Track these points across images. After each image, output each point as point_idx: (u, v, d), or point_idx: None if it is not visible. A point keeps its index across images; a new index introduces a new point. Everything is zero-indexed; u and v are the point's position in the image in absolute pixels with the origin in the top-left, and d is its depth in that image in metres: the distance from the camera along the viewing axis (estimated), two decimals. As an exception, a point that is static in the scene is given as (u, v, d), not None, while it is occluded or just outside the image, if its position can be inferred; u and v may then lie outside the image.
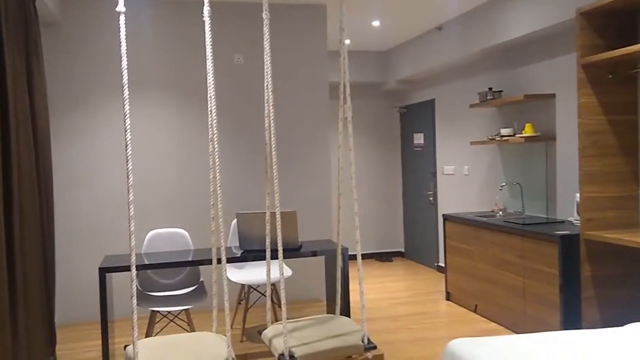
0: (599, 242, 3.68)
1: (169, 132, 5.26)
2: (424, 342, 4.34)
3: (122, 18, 2.32)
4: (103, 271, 3.41)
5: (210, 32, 2.51)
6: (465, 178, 6.33)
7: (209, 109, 2.59)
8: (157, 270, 4.16)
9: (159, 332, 4.52)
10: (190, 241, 4.30)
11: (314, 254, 3.78)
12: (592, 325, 3.68)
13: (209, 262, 3.53)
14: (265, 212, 3.29)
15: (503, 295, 4.64)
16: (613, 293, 3.72)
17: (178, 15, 5.25)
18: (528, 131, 4.88)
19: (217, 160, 2.56)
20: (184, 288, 4.19)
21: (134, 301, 2.33)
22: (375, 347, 2.68)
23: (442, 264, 6.85)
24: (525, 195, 5.25)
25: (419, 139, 7.44)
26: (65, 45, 5.03)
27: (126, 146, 2.32)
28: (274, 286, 4.53)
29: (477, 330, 4.60)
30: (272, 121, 2.57)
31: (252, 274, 4.45)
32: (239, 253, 3.75)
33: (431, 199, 7.13)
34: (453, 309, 5.26)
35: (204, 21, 2.53)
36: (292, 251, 3.73)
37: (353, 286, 5.25)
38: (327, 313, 4.38)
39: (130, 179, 2.33)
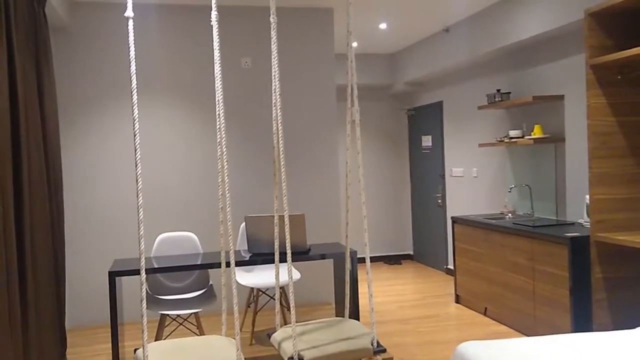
0: (610, 244, 3.65)
1: (177, 136, 5.28)
2: (434, 345, 4.33)
3: (130, 23, 2.34)
4: (113, 275, 3.43)
5: (218, 36, 2.52)
6: (474, 180, 6.31)
7: (217, 113, 2.60)
8: (166, 273, 4.17)
9: (169, 335, 4.54)
10: (199, 245, 4.31)
11: (323, 257, 3.78)
12: (602, 327, 3.65)
13: (218, 265, 3.53)
14: (273, 216, 3.30)
15: (513, 297, 4.62)
16: (624, 295, 3.69)
17: (186, 20, 5.28)
18: (537, 133, 4.86)
19: (225, 163, 2.56)
20: (193, 291, 4.20)
21: (144, 305, 2.34)
22: (384, 350, 2.67)
23: (451, 266, 6.83)
24: (534, 197, 5.23)
25: (427, 141, 7.42)
26: (74, 49, 5.07)
27: (135, 150, 2.33)
28: (283, 289, 4.53)
29: (487, 333, 4.58)
30: (279, 124, 2.58)
31: (261, 277, 4.46)
32: (247, 256, 3.75)
33: (440, 201, 7.10)
34: (462, 312, 5.23)
35: (211, 25, 2.54)
36: (301, 254, 3.73)
37: (362, 289, 5.24)
38: (336, 316, 4.38)
39: (140, 183, 2.34)
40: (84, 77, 5.09)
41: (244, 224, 4.57)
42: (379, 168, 7.98)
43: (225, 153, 2.56)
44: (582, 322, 3.91)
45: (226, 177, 2.57)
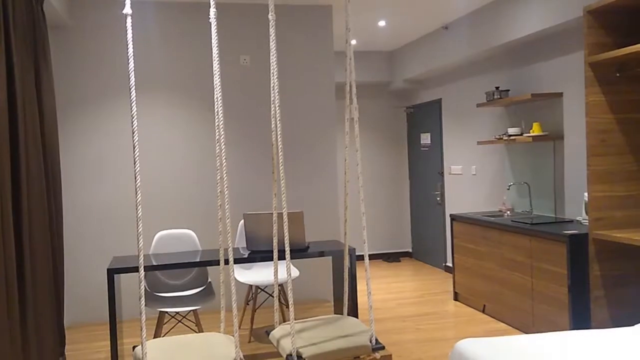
0: (608, 242, 3.65)
1: (176, 134, 5.28)
2: (432, 342, 4.33)
3: (128, 20, 2.33)
4: (111, 272, 3.43)
5: (216, 34, 2.52)
6: (473, 178, 6.31)
7: (216, 110, 2.60)
8: (165, 271, 4.17)
9: (167, 332, 4.54)
10: (198, 242, 4.31)
11: (321, 254, 3.78)
12: (601, 325, 3.66)
13: (217, 262, 3.54)
14: (272, 213, 3.30)
15: (511, 295, 4.63)
16: (622, 292, 3.70)
17: (184, 17, 5.27)
18: (536, 130, 4.86)
19: (224, 161, 2.56)
20: (192, 289, 4.20)
21: (143, 302, 2.34)
22: (383, 348, 2.67)
23: (449, 264, 6.83)
24: (533, 195, 5.23)
25: (426, 138, 7.42)
26: (72, 47, 5.06)
27: (134, 148, 2.33)
28: (282, 287, 4.54)
29: (486, 331, 4.59)
30: (278, 122, 2.58)
31: (259, 274, 4.46)
32: (246, 254, 3.75)
33: (438, 199, 7.11)
34: (461, 309, 5.24)
35: (210, 23, 2.53)
36: (300, 252, 3.73)
37: (360, 286, 5.24)
38: (335, 313, 4.38)
39: (138, 181, 2.34)
40: (83, 74, 5.08)
41: (242, 221, 4.57)
42: (378, 166, 7.98)
43: (223, 150, 2.56)
44: (581, 320, 3.91)
45: (225, 175, 2.57)
